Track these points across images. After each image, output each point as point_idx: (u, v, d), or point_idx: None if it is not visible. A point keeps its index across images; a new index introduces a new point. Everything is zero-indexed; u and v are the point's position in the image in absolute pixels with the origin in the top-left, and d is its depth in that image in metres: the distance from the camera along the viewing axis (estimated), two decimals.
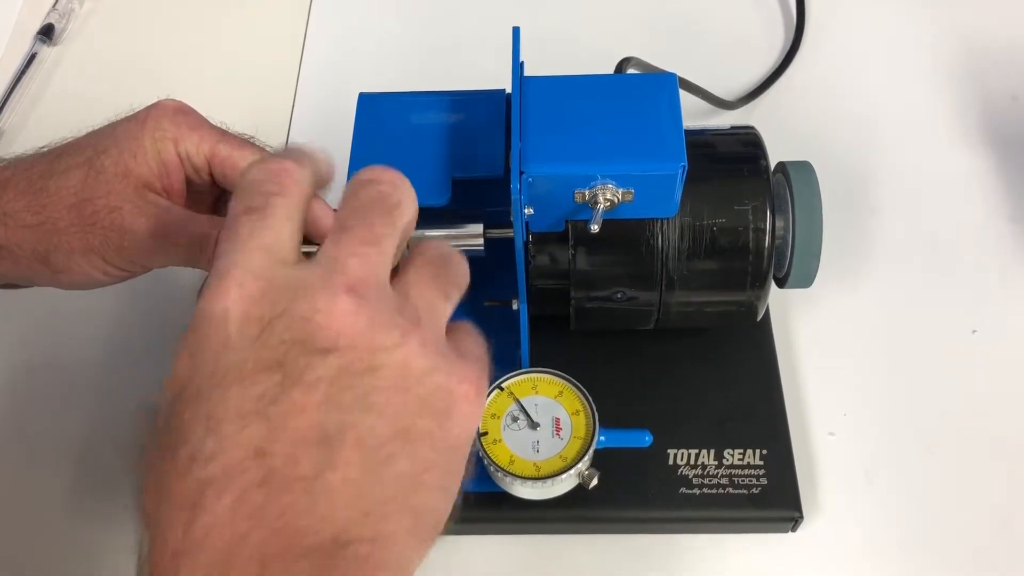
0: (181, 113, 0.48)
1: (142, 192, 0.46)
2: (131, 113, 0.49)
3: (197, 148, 0.48)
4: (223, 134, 0.49)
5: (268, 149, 0.50)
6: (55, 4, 0.79)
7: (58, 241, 0.46)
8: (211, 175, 0.49)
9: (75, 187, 0.46)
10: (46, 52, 0.78)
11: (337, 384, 0.31)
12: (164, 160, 0.47)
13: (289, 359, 0.31)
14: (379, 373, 0.32)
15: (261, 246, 0.33)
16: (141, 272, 0.48)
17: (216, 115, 0.73)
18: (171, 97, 0.50)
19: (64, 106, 0.75)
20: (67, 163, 0.47)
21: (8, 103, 0.74)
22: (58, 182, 0.46)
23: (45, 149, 0.49)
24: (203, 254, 0.46)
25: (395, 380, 0.32)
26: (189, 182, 0.49)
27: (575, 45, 0.75)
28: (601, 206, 0.47)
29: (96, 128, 0.49)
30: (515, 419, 0.50)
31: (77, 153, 0.47)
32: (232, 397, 0.30)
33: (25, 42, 0.77)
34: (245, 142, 0.50)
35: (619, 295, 0.52)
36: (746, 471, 0.53)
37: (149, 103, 0.49)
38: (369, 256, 0.34)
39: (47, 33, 0.78)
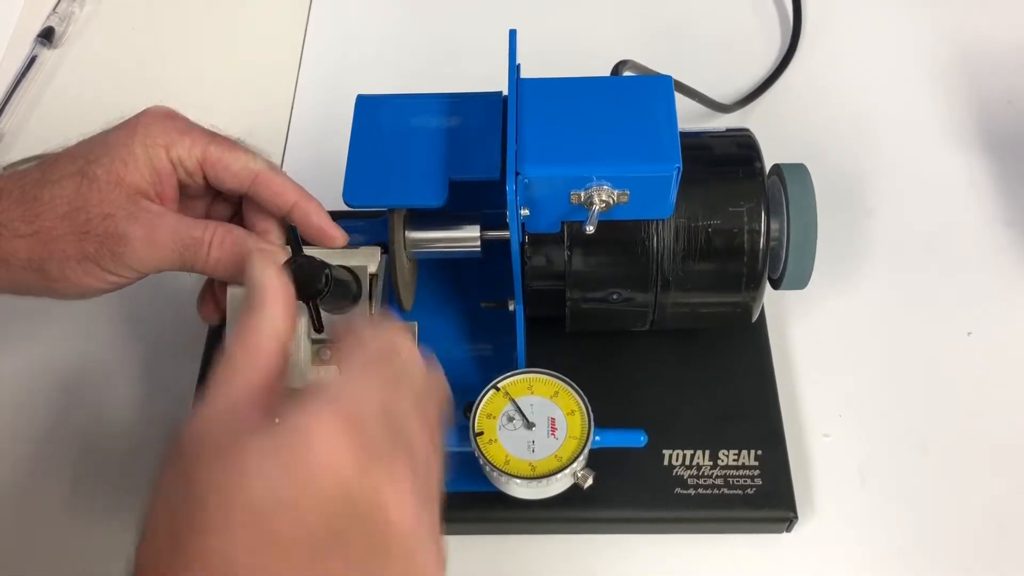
0: (170, 119, 0.49)
1: (135, 199, 0.47)
2: (121, 121, 0.49)
3: (189, 152, 0.48)
4: (213, 136, 0.49)
5: (258, 151, 0.51)
6: (55, 7, 0.80)
7: (53, 250, 0.46)
8: (204, 178, 0.49)
9: (68, 196, 0.46)
10: (46, 55, 0.78)
11: None
12: (156, 167, 0.47)
13: None
14: None
15: None
16: (137, 279, 0.48)
17: (216, 117, 0.73)
18: (166, 102, 0.50)
19: (64, 109, 0.76)
20: (59, 172, 0.47)
21: (8, 105, 0.74)
22: (51, 191, 0.46)
23: (35, 159, 0.49)
24: (198, 256, 0.47)
25: None
26: (182, 187, 0.49)
27: (572, 47, 0.75)
28: (596, 207, 0.47)
29: (88, 136, 0.49)
30: (511, 419, 0.51)
31: (69, 162, 0.47)
32: None
33: (25, 45, 0.78)
34: (235, 144, 0.50)
35: (614, 296, 0.52)
36: (741, 472, 0.53)
37: (143, 108, 0.50)
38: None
39: (47, 36, 0.78)
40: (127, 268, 0.47)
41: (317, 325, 0.45)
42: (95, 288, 0.48)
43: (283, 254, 0.48)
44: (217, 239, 0.47)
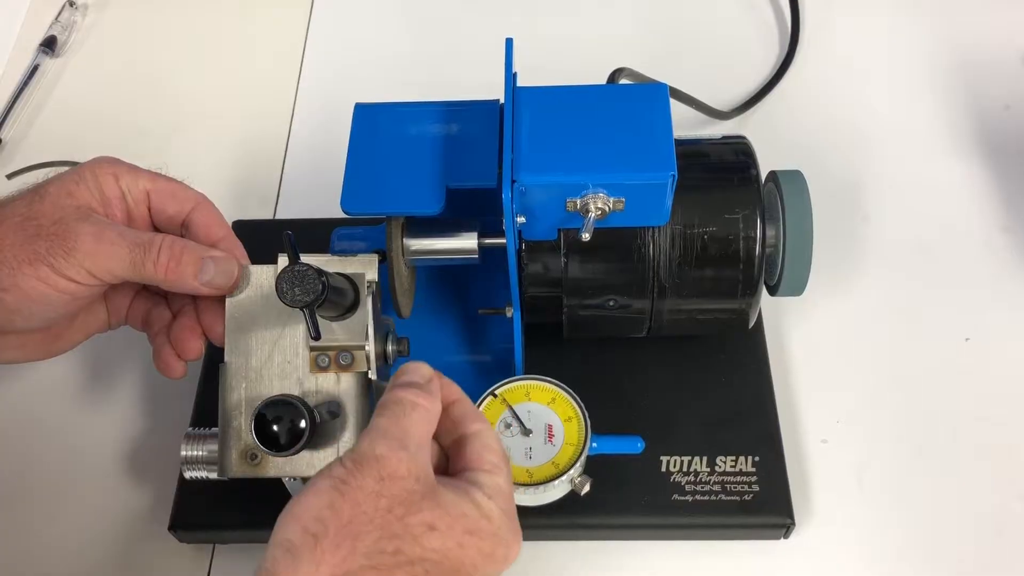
0: (116, 162, 0.50)
1: (85, 211, 0.47)
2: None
3: (136, 181, 0.49)
4: (157, 173, 0.51)
5: (200, 191, 0.52)
6: (57, 16, 0.80)
7: (4, 257, 0.45)
8: (148, 209, 0.50)
9: (21, 211, 0.47)
10: (48, 64, 0.79)
11: None
12: (104, 192, 0.48)
13: None
14: None
15: None
16: (89, 285, 0.46)
17: (216, 125, 0.75)
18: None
19: (66, 117, 0.76)
20: (12, 197, 0.48)
21: (11, 114, 0.75)
22: (3, 212, 0.47)
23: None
24: (148, 258, 0.47)
25: None
26: (129, 219, 0.50)
27: (568, 56, 0.75)
28: (592, 215, 0.47)
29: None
30: (508, 426, 0.51)
31: (22, 192, 0.48)
32: None
33: (28, 54, 0.78)
34: (180, 182, 0.52)
35: (611, 303, 0.52)
36: (738, 478, 0.53)
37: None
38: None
39: (50, 45, 0.79)
40: (80, 268, 0.46)
41: (314, 332, 0.45)
42: (47, 296, 0.46)
43: (235, 262, 0.49)
44: (167, 243, 0.47)
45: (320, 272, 0.44)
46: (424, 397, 0.42)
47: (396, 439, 0.40)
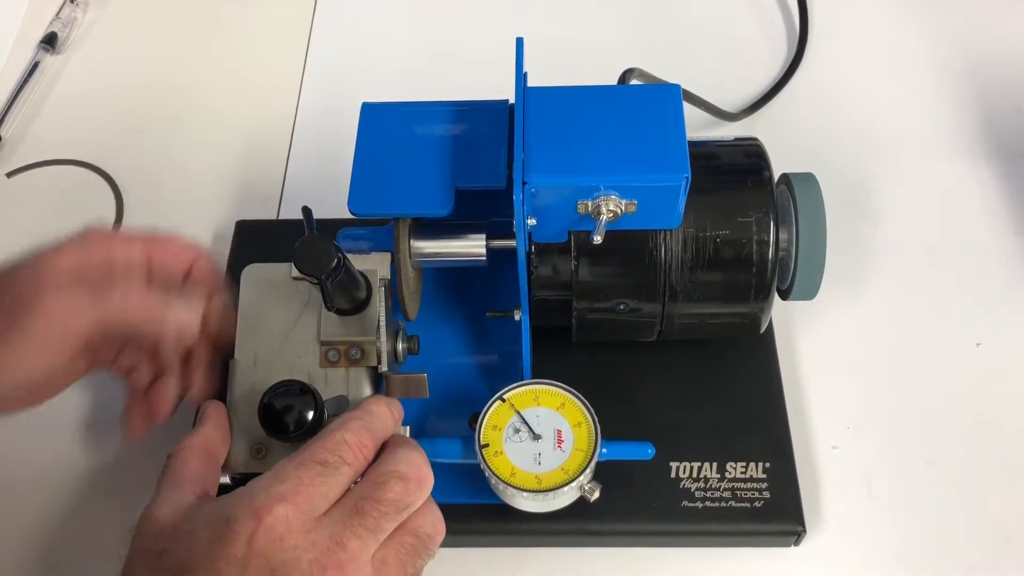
0: (109, 232, 0.51)
1: (63, 276, 0.47)
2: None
3: (134, 248, 0.50)
4: (153, 233, 0.51)
5: (196, 242, 0.53)
6: (58, 13, 0.80)
7: None
8: (148, 272, 0.50)
9: None
10: (49, 60, 0.78)
11: None
12: (90, 258, 0.48)
13: None
14: None
15: None
16: (55, 353, 0.47)
17: (219, 123, 0.74)
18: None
19: (67, 114, 0.75)
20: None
21: (11, 111, 0.74)
22: None
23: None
24: (110, 296, 0.47)
25: None
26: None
27: (579, 56, 0.75)
28: (604, 217, 0.47)
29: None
30: (517, 431, 0.50)
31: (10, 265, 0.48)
32: None
33: (28, 50, 0.78)
34: (176, 237, 0.52)
35: (621, 306, 0.52)
36: (749, 484, 0.53)
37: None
38: (366, 541, 0.41)
39: (50, 42, 0.78)
40: (47, 323, 0.46)
41: (329, 303, 0.45)
42: (17, 376, 0.46)
43: (195, 314, 0.49)
44: (128, 289, 0.48)
45: (337, 246, 0.44)
46: None
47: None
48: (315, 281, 0.44)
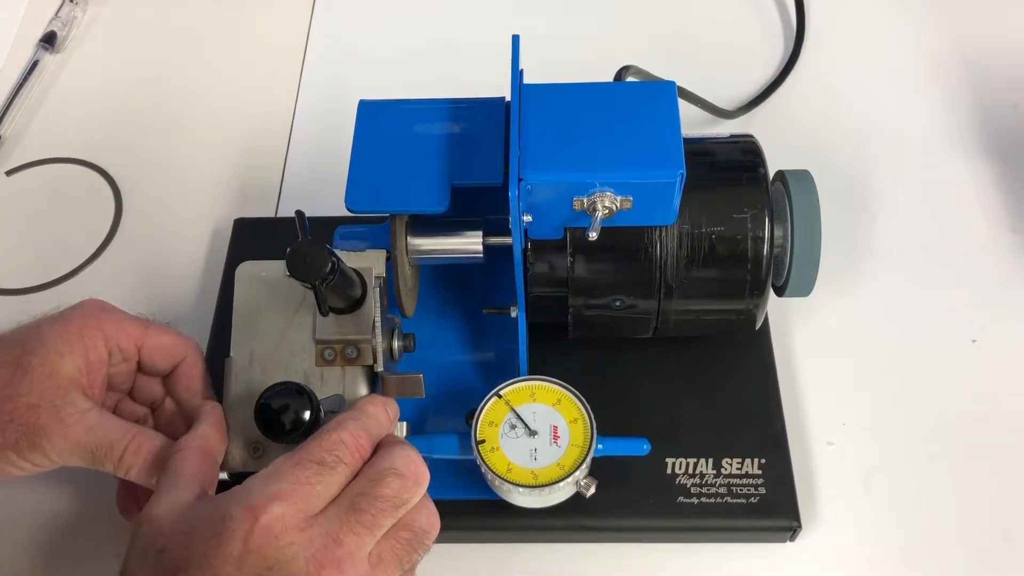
0: (105, 311, 0.51)
1: (64, 392, 0.47)
2: (57, 312, 0.50)
3: (127, 340, 0.50)
4: (148, 324, 0.52)
5: (189, 339, 0.53)
6: (57, 12, 0.80)
7: None
8: (137, 363, 0.51)
9: (1, 385, 0.47)
10: (48, 59, 0.78)
11: None
12: (90, 358, 0.49)
13: None
14: None
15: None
16: (51, 468, 0.48)
17: (217, 121, 0.74)
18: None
19: (66, 114, 0.76)
20: None
21: (10, 110, 0.74)
22: None
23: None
24: (109, 459, 0.47)
25: None
26: (110, 378, 0.50)
27: (574, 53, 0.75)
28: (599, 214, 0.47)
29: (25, 324, 0.50)
30: (513, 427, 0.50)
31: (6, 351, 0.48)
32: None
33: (27, 49, 0.78)
34: (167, 328, 0.52)
35: (617, 303, 0.52)
36: (744, 480, 0.53)
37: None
38: (363, 537, 0.41)
39: (49, 40, 0.78)
40: (44, 458, 0.47)
41: (323, 309, 0.45)
42: (8, 474, 0.48)
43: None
44: (134, 446, 0.47)
45: (330, 251, 0.44)
46: None
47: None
48: (308, 286, 0.44)
